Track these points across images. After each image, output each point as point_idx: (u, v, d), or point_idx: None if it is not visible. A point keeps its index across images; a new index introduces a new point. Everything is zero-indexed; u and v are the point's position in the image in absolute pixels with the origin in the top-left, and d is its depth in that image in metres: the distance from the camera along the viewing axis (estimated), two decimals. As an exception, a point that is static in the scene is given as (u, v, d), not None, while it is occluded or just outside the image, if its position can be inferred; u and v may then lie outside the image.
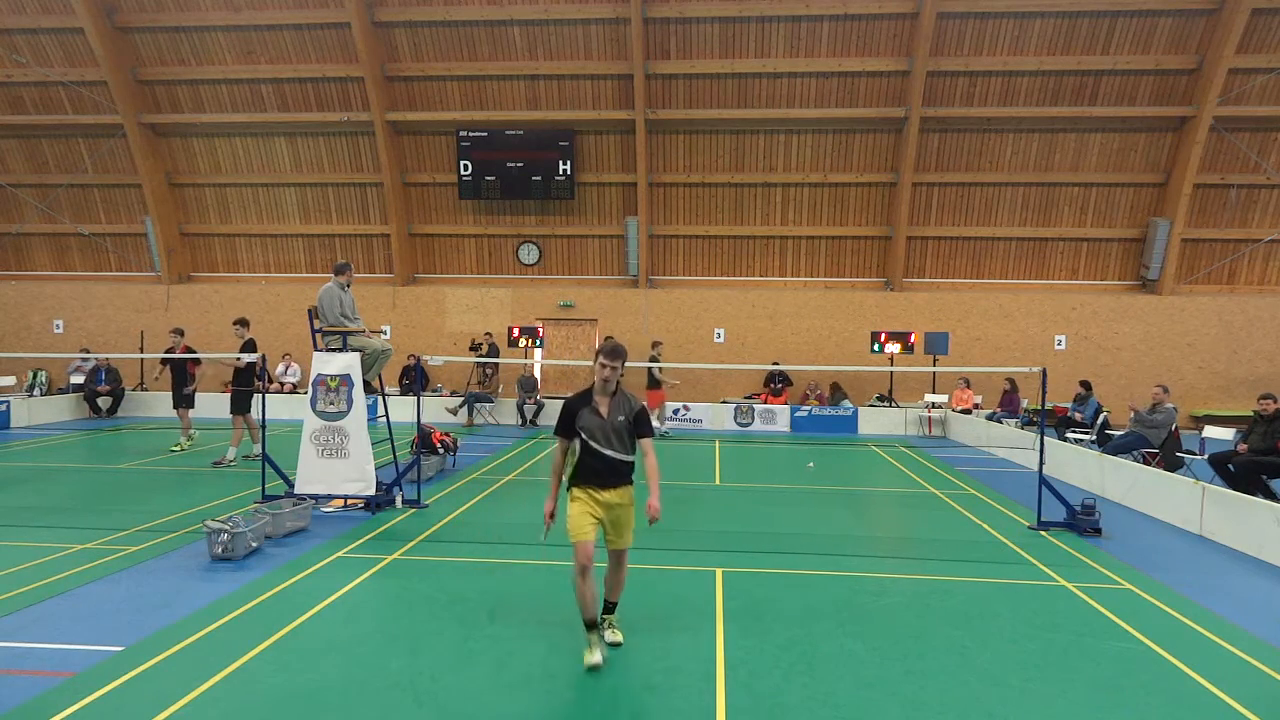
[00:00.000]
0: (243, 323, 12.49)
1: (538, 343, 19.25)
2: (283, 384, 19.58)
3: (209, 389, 19.32)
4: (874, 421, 18.52)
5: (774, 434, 18.01)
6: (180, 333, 13.40)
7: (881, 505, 10.38)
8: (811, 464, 13.22)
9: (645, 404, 5.13)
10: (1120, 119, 18.79)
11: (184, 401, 13.18)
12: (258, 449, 11.75)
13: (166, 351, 13.36)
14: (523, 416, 18.44)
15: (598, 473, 4.96)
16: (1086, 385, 16.01)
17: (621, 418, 4.97)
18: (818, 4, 18.07)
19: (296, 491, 9.08)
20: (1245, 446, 9.82)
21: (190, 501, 9.43)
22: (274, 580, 6.47)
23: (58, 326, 21.86)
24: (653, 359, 16.80)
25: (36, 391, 19.73)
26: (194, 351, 13.67)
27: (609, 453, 4.94)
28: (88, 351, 19.80)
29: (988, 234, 20.05)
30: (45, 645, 5.08)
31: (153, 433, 15.77)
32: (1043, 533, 8.62)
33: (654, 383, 16.78)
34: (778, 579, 6.76)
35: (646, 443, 5.01)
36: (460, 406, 18.47)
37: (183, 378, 13.06)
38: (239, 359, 12.06)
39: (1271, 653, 5.32)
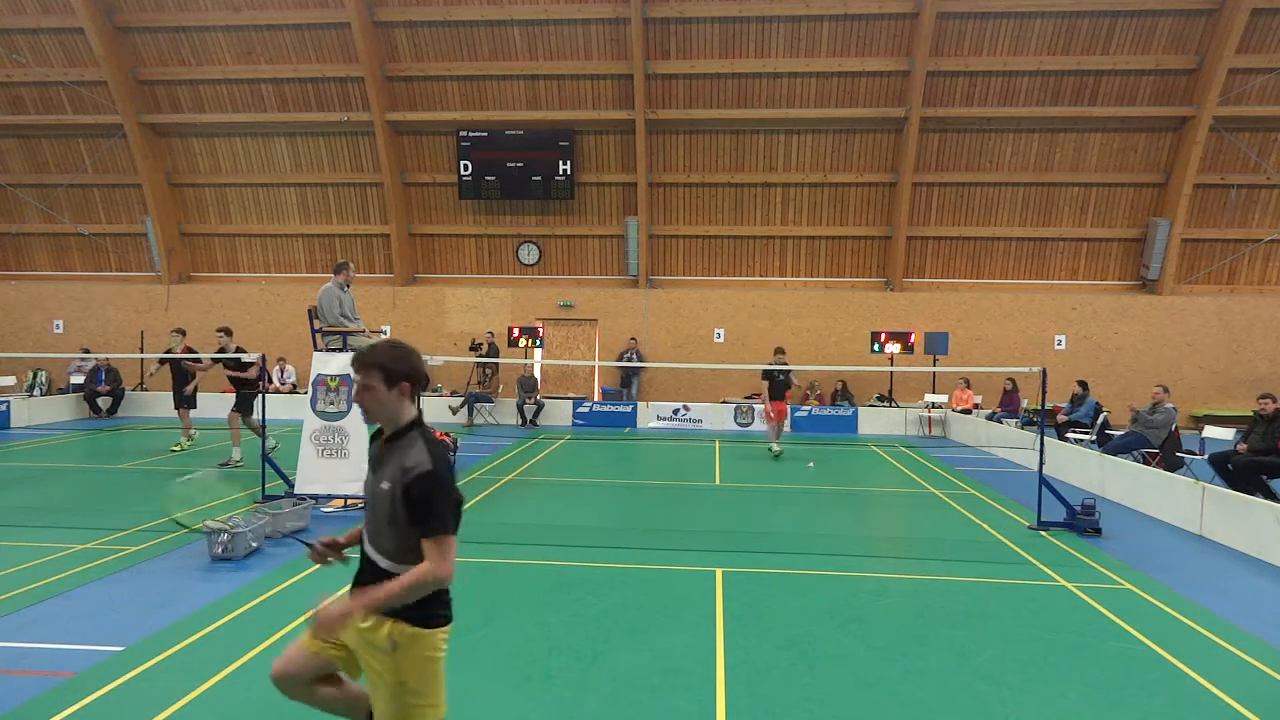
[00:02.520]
0: (226, 331, 12.31)
1: (538, 343, 19.25)
2: (280, 385, 19.53)
3: (214, 389, 19.34)
4: (874, 421, 18.52)
5: (774, 434, 17.99)
6: (182, 333, 13.39)
7: (881, 505, 10.37)
8: (812, 463, 13.21)
9: (428, 473, 2.71)
10: (1120, 119, 18.79)
11: (184, 402, 13.18)
12: (238, 455, 11.83)
13: (166, 351, 13.36)
14: (523, 416, 18.44)
15: (359, 569, 2.97)
16: (1083, 385, 16.01)
17: (387, 484, 2.76)
18: (818, 4, 18.07)
19: (296, 491, 9.09)
20: (1245, 446, 9.82)
21: (190, 502, 9.42)
22: (274, 580, 6.47)
23: (58, 326, 21.86)
24: (773, 366, 14.06)
25: (36, 391, 19.72)
26: (195, 351, 13.66)
27: (365, 544, 2.93)
28: (88, 351, 19.80)
29: (988, 234, 20.05)
30: (45, 645, 5.08)
31: (153, 433, 15.77)
32: (1043, 533, 8.61)
33: (778, 392, 14.08)
34: (778, 579, 6.76)
35: (427, 548, 2.69)
36: (461, 406, 18.47)
37: (184, 378, 13.05)
38: (238, 359, 12.05)
39: (1271, 653, 5.32)
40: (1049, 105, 18.81)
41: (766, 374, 13.92)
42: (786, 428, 16.20)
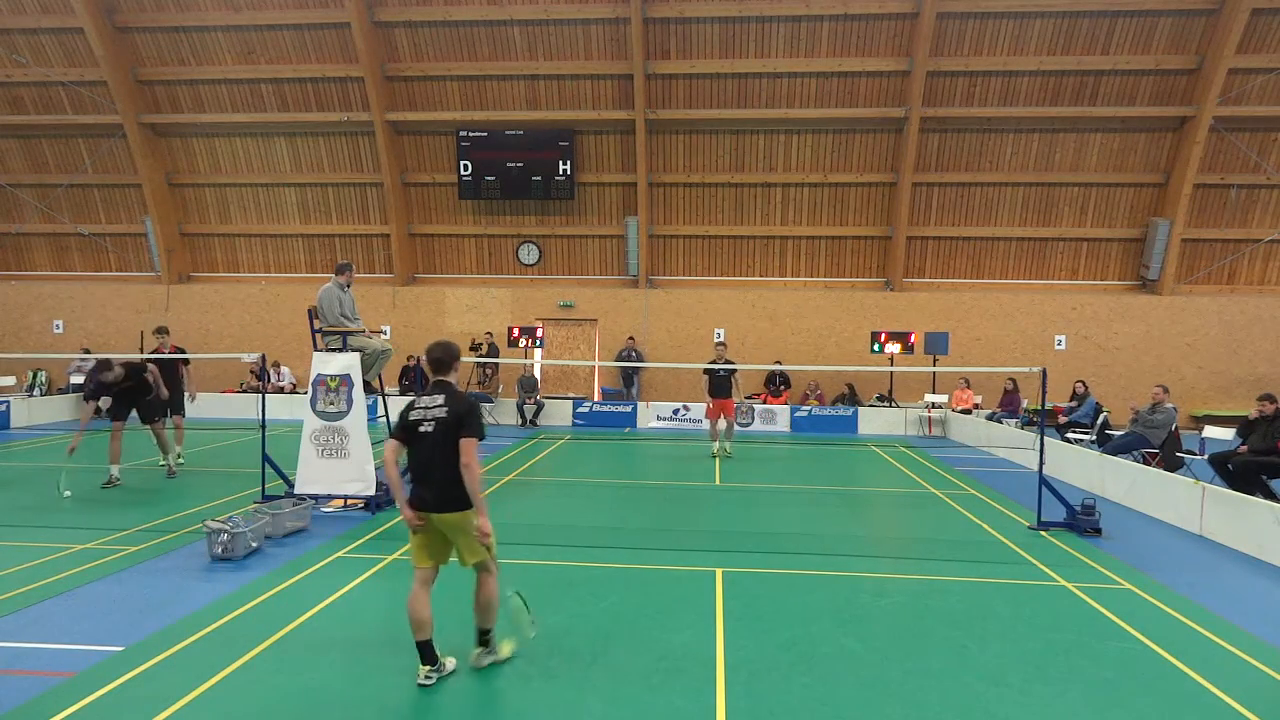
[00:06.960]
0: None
1: (537, 343, 19.24)
2: (281, 388, 19.50)
3: (213, 389, 19.34)
4: (874, 421, 18.51)
5: (774, 434, 18.01)
6: (164, 331, 12.65)
7: (881, 505, 10.38)
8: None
9: None
10: (1120, 119, 18.79)
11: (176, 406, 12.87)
12: (166, 461, 11.54)
13: (153, 352, 12.88)
14: (523, 416, 18.44)
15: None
16: (1084, 385, 16.00)
17: None
18: (818, 4, 18.06)
19: (296, 491, 9.08)
20: (1245, 447, 9.80)
21: (190, 501, 9.43)
22: (274, 580, 6.47)
23: (58, 326, 21.85)
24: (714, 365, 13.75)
25: (36, 391, 19.72)
26: (183, 351, 13.27)
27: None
28: (88, 351, 19.79)
29: (988, 234, 20.05)
30: (45, 645, 5.08)
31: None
32: (1043, 533, 8.61)
33: (719, 390, 13.77)
34: (778, 579, 6.76)
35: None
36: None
37: (172, 379, 12.59)
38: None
39: (1271, 653, 5.32)
40: (1049, 105, 18.80)
41: (706, 371, 13.53)
42: (737, 428, 15.50)
